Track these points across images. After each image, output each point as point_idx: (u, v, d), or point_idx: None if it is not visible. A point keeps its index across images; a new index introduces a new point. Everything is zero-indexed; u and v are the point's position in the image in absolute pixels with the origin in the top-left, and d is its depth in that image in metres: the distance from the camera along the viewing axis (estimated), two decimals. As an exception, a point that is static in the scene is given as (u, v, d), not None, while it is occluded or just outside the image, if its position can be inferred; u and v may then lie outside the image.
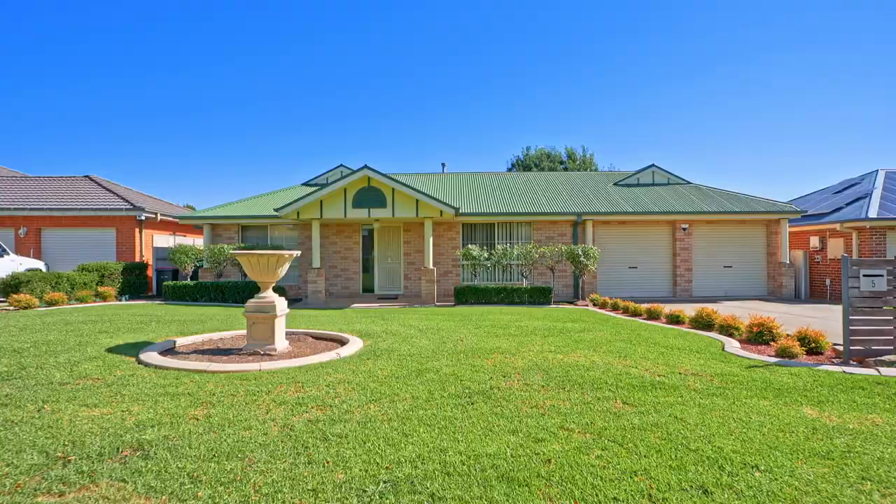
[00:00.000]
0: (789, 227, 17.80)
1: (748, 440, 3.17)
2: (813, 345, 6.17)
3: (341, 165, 18.15)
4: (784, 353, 5.89)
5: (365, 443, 3.13)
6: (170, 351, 6.04)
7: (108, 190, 18.14)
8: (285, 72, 67.92)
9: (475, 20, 63.82)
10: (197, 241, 19.84)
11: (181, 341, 6.56)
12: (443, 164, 22.13)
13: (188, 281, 14.06)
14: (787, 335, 6.65)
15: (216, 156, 72.91)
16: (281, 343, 6.18)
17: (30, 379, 4.56)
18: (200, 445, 3.09)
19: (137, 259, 16.52)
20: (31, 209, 16.20)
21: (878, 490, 2.53)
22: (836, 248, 16.43)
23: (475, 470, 2.74)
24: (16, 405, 3.83)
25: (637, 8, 60.23)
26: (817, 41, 57.02)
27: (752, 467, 2.78)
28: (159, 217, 17.22)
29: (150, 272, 16.75)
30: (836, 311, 11.47)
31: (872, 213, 15.09)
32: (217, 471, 2.75)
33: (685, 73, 61.56)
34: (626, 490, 2.52)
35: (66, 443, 3.11)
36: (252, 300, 6.13)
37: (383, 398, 4.06)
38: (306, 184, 18.59)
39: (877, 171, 19.47)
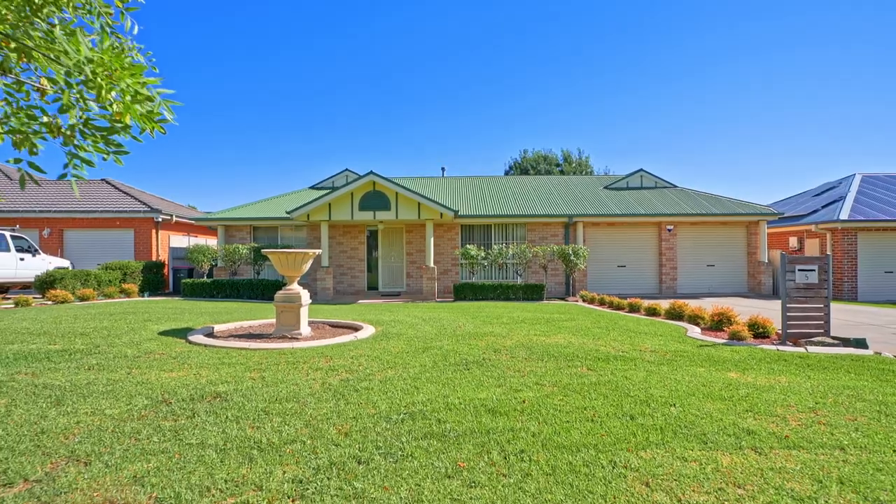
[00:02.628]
0: (771, 227, 18.89)
1: (675, 391, 4.21)
2: (761, 330, 7.21)
3: (347, 170, 19.18)
4: (734, 337, 6.94)
5: (387, 392, 4.16)
6: (210, 335, 7.05)
7: (124, 193, 19.15)
8: (284, 73, 68.90)
9: (475, 23, 64.87)
10: (209, 241, 20.85)
11: (217, 328, 7.58)
12: (443, 168, 23.17)
13: (205, 278, 15.09)
14: (744, 323, 7.68)
15: (214, 156, 73.85)
16: (305, 329, 7.21)
17: (108, 353, 5.59)
18: (263, 394, 4.11)
19: (154, 258, 17.52)
20: (56, 211, 17.20)
21: (753, 416, 3.57)
22: (812, 248, 17.49)
23: (469, 407, 3.77)
24: (109, 370, 4.86)
25: (636, 9, 61.31)
26: (814, 41, 58.15)
27: (671, 405, 3.81)
28: (174, 219, 18.22)
29: (167, 270, 17.76)
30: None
31: (844, 216, 16.15)
32: (281, 408, 3.77)
33: (682, 75, 62.66)
34: (575, 417, 3.55)
35: (162, 392, 4.14)
36: (280, 292, 7.16)
37: (397, 366, 5.10)
38: (313, 187, 19.63)
39: (854, 174, 20.55)
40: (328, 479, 2.63)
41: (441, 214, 14.54)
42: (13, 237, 13.46)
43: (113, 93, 1.49)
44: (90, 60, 1.43)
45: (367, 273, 17.11)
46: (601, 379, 4.57)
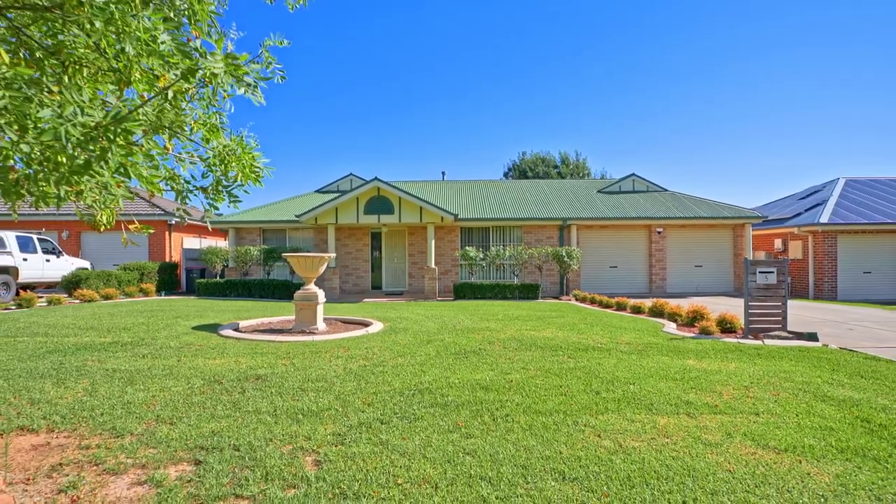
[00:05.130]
0: (758, 230, 19.75)
1: (637, 374, 5.07)
2: (728, 325, 8.06)
3: (351, 174, 20.05)
4: (703, 331, 7.80)
5: (399, 374, 5.02)
6: (237, 329, 7.91)
7: (136, 195, 20.02)
8: (294, 73, 69.73)
9: (475, 25, 65.73)
10: (219, 243, 21.70)
11: (242, 324, 8.44)
12: (443, 173, 24.04)
13: (218, 278, 15.95)
14: (714, 319, 8.53)
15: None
16: (321, 324, 8.07)
17: (154, 345, 6.45)
18: (296, 376, 4.97)
19: (167, 259, 18.38)
20: (74, 215, 18.05)
21: (695, 392, 4.43)
22: (795, 249, 18.36)
23: (467, 385, 4.63)
24: (161, 358, 5.71)
25: (632, 11, 62.14)
26: (813, 42, 58.97)
27: (630, 384, 4.67)
28: (186, 221, 19.07)
29: (179, 271, 18.62)
30: (781, 304, 13.37)
31: (824, 219, 17.01)
32: (313, 386, 4.63)
33: (678, 77, 63.49)
34: (552, 392, 4.41)
35: (213, 374, 4.99)
36: (299, 291, 8.02)
37: (406, 354, 5.96)
38: (319, 191, 20.49)
39: (838, 178, 21.41)
40: (360, 433, 3.49)
41: (441, 218, 15.39)
42: (39, 240, 14.32)
43: (234, 163, 2.32)
44: (225, 146, 2.26)
45: (371, 273, 17.97)
46: (578, 365, 5.44)
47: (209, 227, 3.60)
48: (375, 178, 15.21)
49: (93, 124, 1.53)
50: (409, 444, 3.29)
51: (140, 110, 1.79)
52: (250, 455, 3.11)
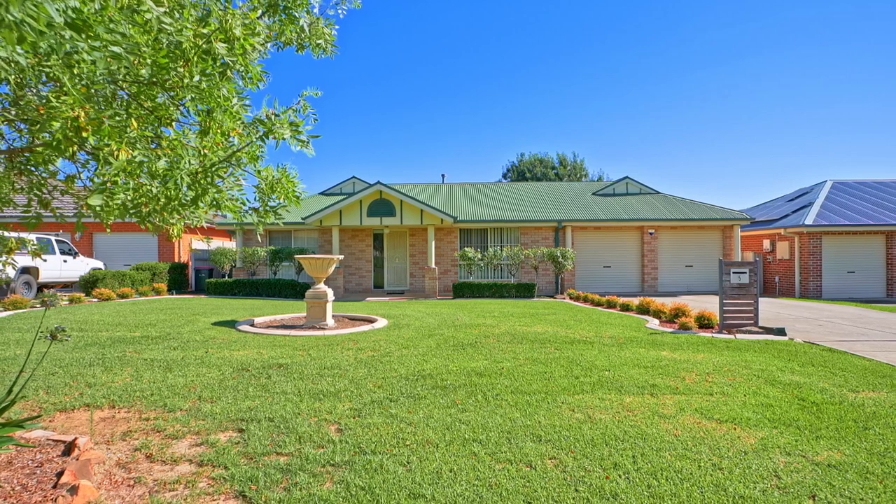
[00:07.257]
0: (747, 231, 20.43)
1: (613, 363, 5.73)
2: (706, 321, 8.74)
3: (354, 177, 20.71)
4: (682, 327, 8.47)
5: (403, 363, 5.69)
6: (252, 325, 8.57)
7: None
8: (292, 72, 70.37)
9: (474, 26, 66.32)
10: (226, 244, 22.35)
11: (257, 320, 9.10)
12: (443, 175, 24.73)
13: (226, 278, 16.61)
14: (693, 315, 9.20)
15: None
16: (330, 321, 8.73)
17: (181, 339, 7.11)
18: (314, 365, 5.64)
19: (175, 260, 19.04)
20: (87, 216, 18.69)
21: (661, 377, 5.10)
22: (783, 250, 19.04)
23: (463, 372, 5.30)
24: (191, 349, 6.38)
25: (632, 11, 62.73)
26: (813, 42, 59.61)
27: (606, 370, 5.34)
28: (206, 226, 19.71)
29: (188, 271, 19.28)
30: (767, 302, 14.06)
31: (809, 221, 17.68)
32: (330, 373, 5.29)
33: (678, 76, 64.12)
34: (537, 377, 5.07)
35: (240, 363, 5.66)
36: (310, 290, 8.68)
37: (410, 346, 6.63)
38: (323, 193, 21.15)
39: (826, 181, 22.08)
40: (372, 408, 4.16)
41: (441, 220, 16.06)
42: (57, 241, 14.97)
43: (279, 189, 2.99)
44: (273, 176, 2.93)
45: (374, 273, 18.65)
46: (562, 355, 6.11)
47: (258, 236, 4.25)
48: (378, 182, 15.88)
49: (194, 171, 2.18)
50: (415, 416, 3.96)
51: (221, 155, 2.45)
52: (284, 425, 3.78)
